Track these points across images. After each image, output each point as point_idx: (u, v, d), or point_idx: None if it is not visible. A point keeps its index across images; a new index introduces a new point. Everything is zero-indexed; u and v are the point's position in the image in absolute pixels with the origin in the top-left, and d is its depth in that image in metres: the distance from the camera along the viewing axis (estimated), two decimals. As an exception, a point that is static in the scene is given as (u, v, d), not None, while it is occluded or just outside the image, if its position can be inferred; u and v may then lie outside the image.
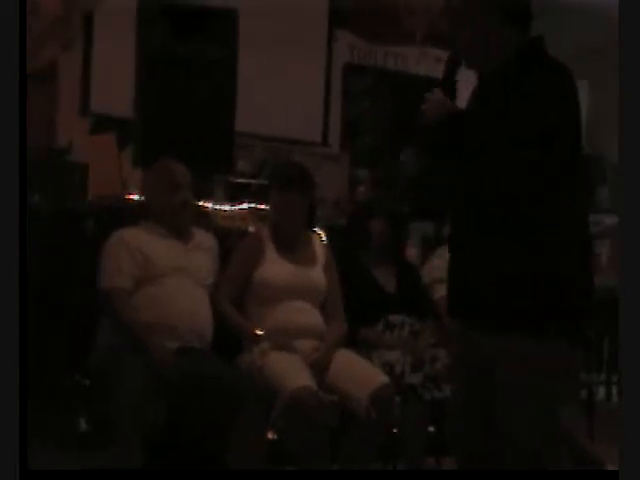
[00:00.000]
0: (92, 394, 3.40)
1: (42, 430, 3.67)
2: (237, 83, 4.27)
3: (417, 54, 6.93)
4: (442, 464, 3.80)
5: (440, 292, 3.83)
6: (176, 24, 4.14)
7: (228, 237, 3.94)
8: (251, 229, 4.01)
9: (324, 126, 6.82)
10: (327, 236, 3.97)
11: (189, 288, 3.33)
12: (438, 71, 2.41)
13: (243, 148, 5.28)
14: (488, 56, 2.26)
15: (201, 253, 3.47)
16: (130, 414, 2.95)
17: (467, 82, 2.40)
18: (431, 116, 2.21)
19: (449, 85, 2.28)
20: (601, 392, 5.13)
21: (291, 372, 3.23)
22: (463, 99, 2.35)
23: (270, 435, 3.32)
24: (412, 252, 4.72)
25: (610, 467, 3.53)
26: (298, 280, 3.49)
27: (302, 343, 3.41)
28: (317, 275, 3.56)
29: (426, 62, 6.89)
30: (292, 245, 3.57)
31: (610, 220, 5.49)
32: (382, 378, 3.38)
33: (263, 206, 4.16)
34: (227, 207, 4.28)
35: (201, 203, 4.06)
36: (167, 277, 3.29)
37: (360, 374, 3.38)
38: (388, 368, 3.64)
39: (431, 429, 3.71)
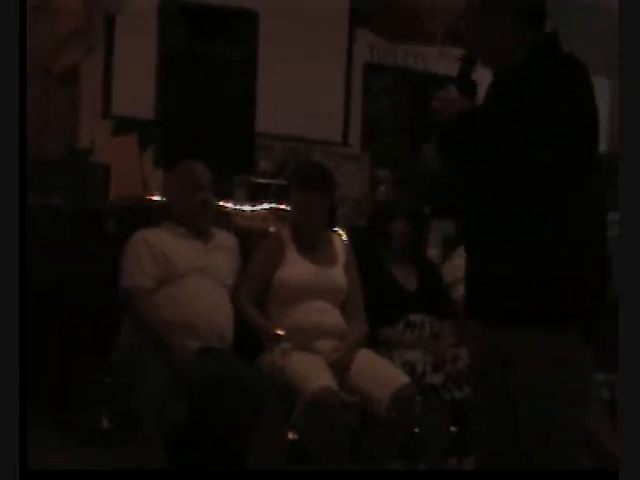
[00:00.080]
0: (114, 392, 3.42)
1: (64, 428, 3.71)
2: (257, 83, 4.29)
3: (437, 53, 6.92)
4: (464, 464, 3.78)
5: (461, 291, 3.81)
6: (197, 25, 4.16)
7: (249, 237, 3.95)
8: (271, 229, 4.02)
9: (344, 126, 6.81)
10: (347, 236, 3.97)
11: (209, 288, 3.34)
12: (458, 70, 2.40)
13: (263, 148, 5.29)
14: (503, 53, 2.25)
15: (221, 253, 3.48)
16: (152, 413, 2.96)
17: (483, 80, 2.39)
18: (444, 113, 2.20)
19: (464, 83, 2.27)
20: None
21: (312, 372, 3.23)
22: (479, 97, 2.34)
23: (291, 435, 3.33)
24: (433, 251, 4.71)
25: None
26: (319, 280, 3.49)
27: (323, 343, 3.41)
28: (338, 275, 3.56)
29: (446, 61, 6.87)
30: (313, 245, 3.57)
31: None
32: (403, 378, 3.38)
33: (283, 206, 4.17)
34: (248, 207, 4.29)
35: (222, 203, 4.08)
36: (188, 277, 3.31)
37: (381, 374, 3.38)
38: (409, 368, 3.63)
39: (453, 429, 3.70)
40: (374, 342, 3.67)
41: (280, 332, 3.38)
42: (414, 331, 3.84)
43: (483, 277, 2.23)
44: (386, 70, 7.07)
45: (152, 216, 3.63)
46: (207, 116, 4.12)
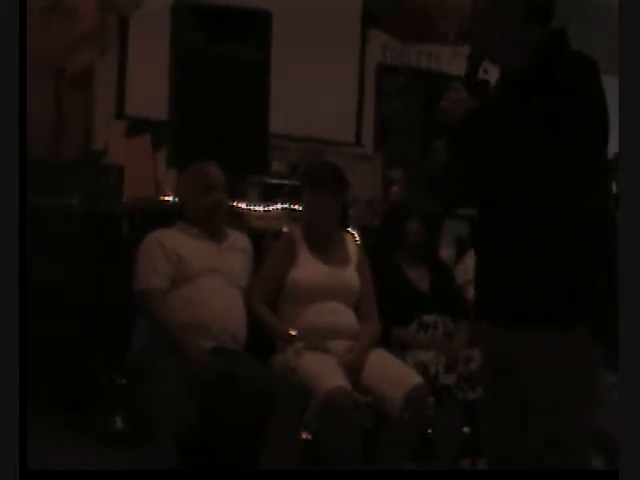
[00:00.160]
0: (128, 394, 3.43)
1: (79, 428, 3.72)
2: (270, 84, 4.29)
3: (450, 53, 6.90)
4: (477, 465, 3.78)
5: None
6: (210, 26, 4.17)
7: (262, 238, 3.95)
8: (285, 230, 4.02)
9: (357, 126, 6.82)
10: (360, 236, 3.97)
11: (223, 289, 3.35)
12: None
13: (277, 149, 5.29)
14: (511, 51, 2.24)
15: (235, 254, 3.49)
16: (166, 414, 2.97)
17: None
18: (452, 113, 2.20)
19: (472, 81, 2.26)
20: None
21: (325, 372, 3.23)
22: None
23: (304, 435, 3.33)
24: (446, 252, 4.70)
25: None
26: (331, 281, 3.49)
27: (336, 343, 3.41)
28: (350, 275, 3.56)
29: (459, 61, 6.85)
30: (325, 245, 3.57)
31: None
32: (416, 379, 3.37)
33: (297, 207, 4.17)
34: (261, 208, 4.29)
35: (235, 204, 4.08)
36: (201, 278, 3.31)
37: (394, 374, 3.38)
38: (422, 368, 3.63)
39: (466, 430, 3.70)
40: (387, 342, 3.67)
41: (293, 332, 3.39)
42: (427, 332, 3.84)
43: (491, 277, 2.23)
44: (399, 71, 7.06)
45: (165, 217, 3.64)
46: (220, 117, 4.13)
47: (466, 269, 4.08)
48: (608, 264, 2.15)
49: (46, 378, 3.88)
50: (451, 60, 6.94)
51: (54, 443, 3.54)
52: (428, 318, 3.86)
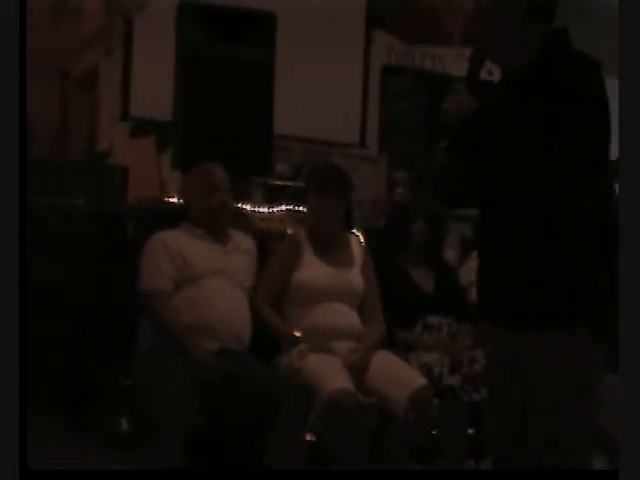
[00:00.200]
0: (133, 395, 3.43)
1: (83, 429, 3.73)
2: (275, 85, 4.29)
3: (454, 55, 6.90)
4: (482, 466, 3.78)
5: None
6: (215, 27, 4.17)
7: (266, 239, 3.95)
8: (289, 231, 4.02)
9: (362, 127, 6.81)
10: (365, 238, 3.97)
11: (228, 290, 3.35)
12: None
13: (281, 150, 5.30)
14: (512, 51, 2.23)
15: (239, 255, 3.49)
16: (170, 415, 2.97)
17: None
18: (454, 115, 2.20)
19: (473, 82, 2.26)
20: None
21: (329, 374, 3.23)
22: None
23: (308, 436, 3.33)
24: (450, 253, 4.70)
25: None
26: (336, 282, 3.49)
27: (340, 345, 3.42)
28: (355, 277, 3.57)
29: (463, 62, 6.84)
30: (330, 247, 3.58)
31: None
32: (420, 380, 3.38)
33: (301, 208, 4.17)
34: (265, 209, 4.29)
35: (239, 205, 4.09)
36: (206, 279, 3.32)
37: (398, 376, 3.38)
38: (426, 370, 3.63)
39: (470, 431, 3.70)
40: (391, 344, 3.67)
41: (297, 334, 3.39)
42: (431, 333, 3.84)
43: (493, 278, 2.23)
44: (403, 72, 7.06)
45: (170, 218, 3.64)
46: (225, 118, 4.13)
47: (470, 270, 4.07)
48: (608, 264, 2.15)
49: (47, 378, 3.89)
50: (455, 61, 6.93)
51: (54, 443, 3.54)
52: (432, 319, 3.86)
